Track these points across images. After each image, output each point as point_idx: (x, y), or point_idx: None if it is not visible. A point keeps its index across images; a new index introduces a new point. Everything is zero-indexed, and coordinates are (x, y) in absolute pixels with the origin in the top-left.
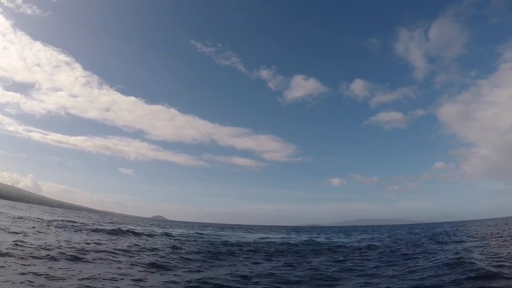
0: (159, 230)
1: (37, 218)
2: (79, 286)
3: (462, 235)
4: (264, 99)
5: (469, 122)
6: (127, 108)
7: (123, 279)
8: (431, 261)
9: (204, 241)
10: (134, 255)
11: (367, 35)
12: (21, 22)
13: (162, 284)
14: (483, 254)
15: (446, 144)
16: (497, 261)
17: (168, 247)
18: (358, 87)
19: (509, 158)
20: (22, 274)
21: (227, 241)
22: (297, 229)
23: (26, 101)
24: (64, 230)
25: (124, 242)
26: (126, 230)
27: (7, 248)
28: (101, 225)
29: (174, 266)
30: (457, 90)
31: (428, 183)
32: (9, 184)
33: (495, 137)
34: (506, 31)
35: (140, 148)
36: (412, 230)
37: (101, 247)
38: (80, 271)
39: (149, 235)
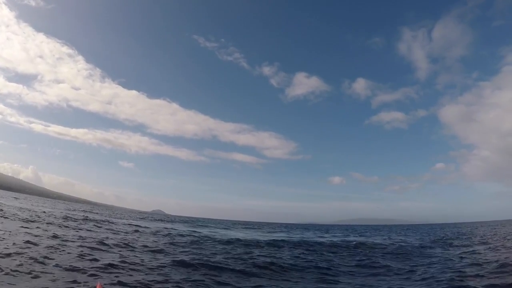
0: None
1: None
2: None
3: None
4: (266, 95)
5: (470, 123)
6: (128, 101)
7: None
8: None
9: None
10: None
11: (371, 34)
12: (25, 14)
13: None
14: None
15: (447, 145)
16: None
17: None
18: (360, 86)
19: (510, 160)
20: None
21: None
22: (306, 227)
23: (28, 93)
24: None
25: None
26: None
27: None
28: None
29: None
30: (459, 91)
31: (429, 184)
32: (9, 175)
33: (496, 139)
34: (510, 34)
35: (141, 142)
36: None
37: None
38: None
39: None
